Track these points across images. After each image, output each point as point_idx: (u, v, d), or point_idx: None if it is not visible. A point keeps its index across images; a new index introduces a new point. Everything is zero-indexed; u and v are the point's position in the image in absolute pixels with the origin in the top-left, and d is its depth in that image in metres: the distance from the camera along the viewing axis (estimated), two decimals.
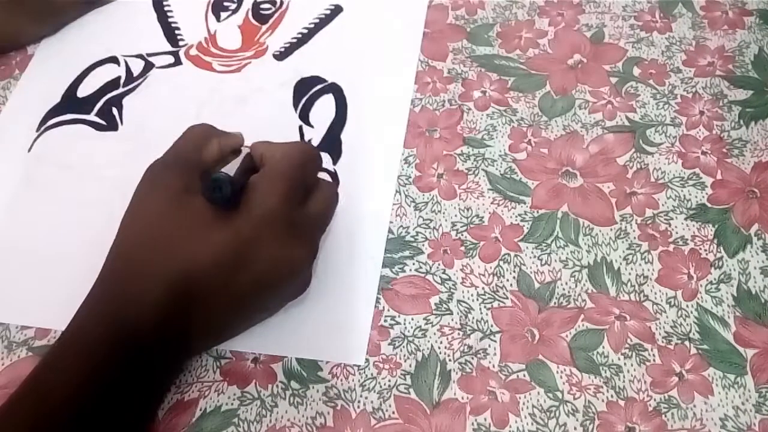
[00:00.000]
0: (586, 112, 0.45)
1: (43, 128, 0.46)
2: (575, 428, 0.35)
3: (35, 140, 0.46)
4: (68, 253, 0.40)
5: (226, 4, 0.52)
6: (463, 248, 0.40)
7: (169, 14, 0.52)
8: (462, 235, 0.41)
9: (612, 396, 0.35)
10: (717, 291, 0.38)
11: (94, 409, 0.29)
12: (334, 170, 0.43)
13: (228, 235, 0.31)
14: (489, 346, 0.37)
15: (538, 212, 0.41)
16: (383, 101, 0.46)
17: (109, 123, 0.46)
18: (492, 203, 0.42)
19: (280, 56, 0.49)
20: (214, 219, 0.32)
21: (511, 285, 0.39)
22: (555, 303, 0.38)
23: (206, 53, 0.50)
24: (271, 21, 0.51)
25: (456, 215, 0.41)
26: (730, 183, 0.42)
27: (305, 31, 0.50)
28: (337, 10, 0.51)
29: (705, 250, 0.40)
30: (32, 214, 0.43)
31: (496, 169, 0.43)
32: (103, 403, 0.29)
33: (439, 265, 0.40)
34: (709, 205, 0.41)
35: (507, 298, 0.39)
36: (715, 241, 0.40)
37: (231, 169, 0.36)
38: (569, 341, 0.37)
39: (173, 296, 0.30)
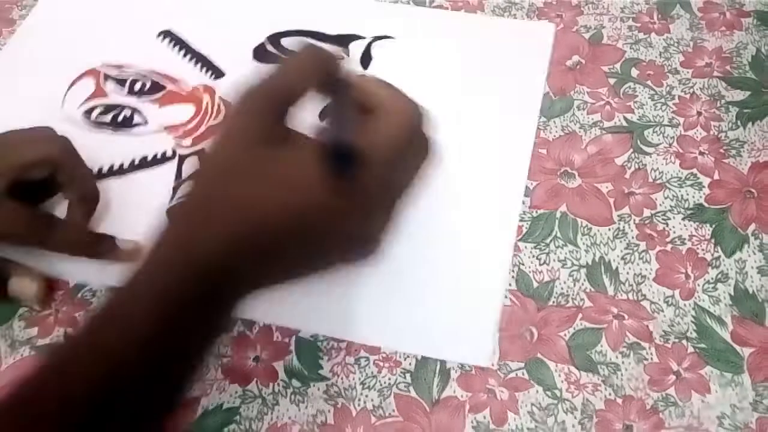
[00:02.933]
0: (585, 113, 0.46)
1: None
2: (573, 426, 0.35)
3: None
4: None
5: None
6: None
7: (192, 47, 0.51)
8: None
9: (610, 394, 0.36)
10: (714, 290, 0.39)
11: (167, 342, 0.29)
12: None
13: (311, 204, 0.29)
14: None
15: (536, 212, 0.42)
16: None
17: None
18: None
19: None
20: (300, 181, 0.29)
21: (510, 284, 0.39)
22: (554, 302, 0.39)
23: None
24: None
25: None
26: (727, 183, 0.42)
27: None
28: None
29: (702, 250, 0.40)
30: None
31: None
32: (175, 337, 0.30)
33: None
34: (707, 205, 0.42)
35: (506, 297, 0.39)
36: (713, 240, 0.40)
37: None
38: (568, 340, 0.37)
39: (243, 246, 0.29)
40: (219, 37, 0.51)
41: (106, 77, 0.49)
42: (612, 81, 0.47)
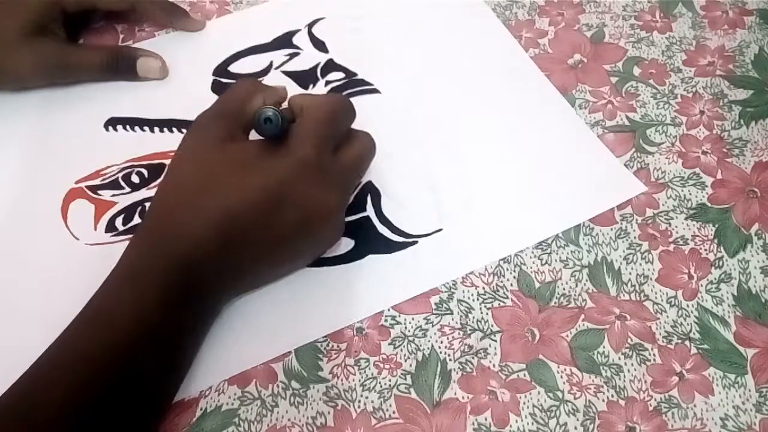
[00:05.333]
0: (587, 112, 0.45)
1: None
2: (576, 428, 0.35)
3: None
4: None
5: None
6: None
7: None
8: None
9: (612, 396, 0.35)
10: (717, 291, 0.38)
11: (148, 342, 0.31)
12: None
13: (265, 177, 0.33)
14: (489, 345, 0.37)
15: None
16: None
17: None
18: None
19: None
20: (254, 162, 0.34)
21: (511, 285, 0.39)
22: (555, 303, 0.38)
23: None
24: None
25: None
26: (730, 183, 0.42)
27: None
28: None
29: (705, 250, 0.40)
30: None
31: None
32: (157, 337, 0.31)
33: None
34: (710, 205, 0.41)
35: (507, 297, 0.39)
36: (716, 240, 0.40)
37: None
38: (569, 341, 0.37)
39: (217, 232, 0.32)
40: (169, 95, 0.47)
41: (94, 189, 0.42)
42: (614, 80, 0.47)
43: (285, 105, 0.38)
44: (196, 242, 0.32)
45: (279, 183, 0.33)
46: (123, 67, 0.46)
